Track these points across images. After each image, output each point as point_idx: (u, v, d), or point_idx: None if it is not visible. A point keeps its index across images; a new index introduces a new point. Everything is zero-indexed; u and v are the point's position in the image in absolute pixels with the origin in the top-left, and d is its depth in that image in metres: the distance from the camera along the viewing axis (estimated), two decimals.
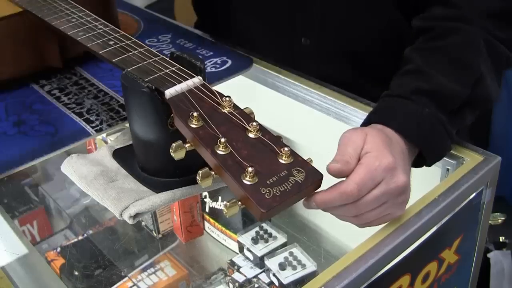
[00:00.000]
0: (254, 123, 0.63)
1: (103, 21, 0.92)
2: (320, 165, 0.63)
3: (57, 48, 1.03)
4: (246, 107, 0.68)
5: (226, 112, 0.66)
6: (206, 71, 0.87)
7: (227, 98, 0.66)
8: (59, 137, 0.88)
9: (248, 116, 0.66)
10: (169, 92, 0.68)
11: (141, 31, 1.25)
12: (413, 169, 0.76)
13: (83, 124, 0.91)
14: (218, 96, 0.68)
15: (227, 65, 1.07)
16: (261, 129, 0.64)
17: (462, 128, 0.84)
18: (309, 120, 1.01)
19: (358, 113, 0.92)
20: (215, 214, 1.12)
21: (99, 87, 1.02)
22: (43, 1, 1.01)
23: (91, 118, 0.93)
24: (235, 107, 0.67)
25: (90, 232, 1.33)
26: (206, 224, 1.16)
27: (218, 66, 1.07)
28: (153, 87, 0.69)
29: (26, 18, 1.00)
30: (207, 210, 1.13)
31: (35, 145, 0.87)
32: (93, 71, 1.08)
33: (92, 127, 0.90)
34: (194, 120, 0.63)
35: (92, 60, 1.09)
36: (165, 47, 1.16)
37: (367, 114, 0.90)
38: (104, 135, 1.09)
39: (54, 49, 1.03)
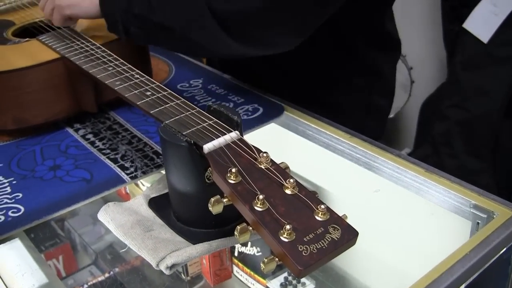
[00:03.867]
0: (291, 180, 0.64)
1: (138, 70, 0.94)
2: (351, 217, 0.64)
3: (92, 94, 1.06)
4: (282, 162, 0.69)
5: (263, 167, 0.67)
6: None
7: (264, 154, 0.68)
8: (95, 184, 0.90)
9: (284, 172, 0.67)
10: (207, 147, 0.69)
11: (172, 75, 1.27)
12: (443, 223, 0.77)
13: (118, 170, 0.93)
14: (256, 152, 0.69)
15: (259, 112, 1.09)
16: (298, 185, 0.65)
17: (487, 173, 0.86)
18: (339, 170, 1.02)
19: (388, 164, 0.93)
20: (244, 259, 1.13)
21: (132, 133, 1.04)
22: (80, 48, 1.04)
23: (125, 165, 0.94)
24: (272, 162, 0.68)
25: (117, 270, 1.34)
26: (235, 268, 1.16)
27: (249, 113, 1.09)
28: (192, 141, 0.71)
29: (64, 64, 1.03)
30: (236, 254, 1.14)
31: (71, 191, 0.89)
32: (126, 116, 1.10)
33: (127, 174, 0.92)
34: (232, 176, 0.64)
35: (124, 104, 1.11)
36: (196, 93, 1.18)
37: (397, 165, 0.92)
38: None
39: (90, 94, 1.06)
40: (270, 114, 1.09)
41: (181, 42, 1.01)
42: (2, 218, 0.83)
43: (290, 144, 1.09)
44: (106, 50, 1.02)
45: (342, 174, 1.03)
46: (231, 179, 0.64)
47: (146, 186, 1.22)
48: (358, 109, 1.29)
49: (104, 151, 0.99)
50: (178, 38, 0.99)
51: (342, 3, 0.98)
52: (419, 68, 2.57)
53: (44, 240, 1.40)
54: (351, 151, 0.98)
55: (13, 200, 0.87)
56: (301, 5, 0.92)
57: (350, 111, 1.27)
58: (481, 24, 2.04)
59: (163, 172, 0.91)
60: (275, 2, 0.90)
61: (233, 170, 0.64)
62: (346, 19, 1.13)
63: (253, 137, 0.98)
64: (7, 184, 0.92)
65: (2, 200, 0.87)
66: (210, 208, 0.64)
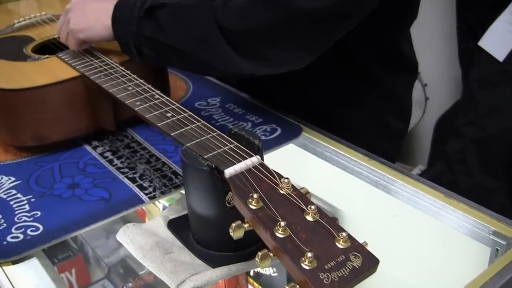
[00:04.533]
0: (312, 207, 0.64)
1: (158, 91, 0.94)
2: (369, 240, 0.64)
3: (111, 112, 1.06)
4: (303, 188, 0.69)
5: (285, 193, 0.67)
6: None
7: (286, 180, 0.67)
8: (113, 204, 0.90)
9: (305, 198, 0.66)
10: (228, 172, 0.69)
11: (190, 93, 1.28)
12: (461, 249, 0.77)
13: (137, 190, 0.93)
14: (277, 177, 0.69)
15: (277, 133, 1.09)
16: (319, 211, 0.65)
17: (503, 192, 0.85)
18: (357, 192, 1.02)
19: (406, 188, 0.93)
20: (260, 279, 1.13)
21: (151, 152, 1.04)
22: (99, 66, 1.04)
23: (144, 185, 0.94)
24: (293, 188, 0.68)
25: (130, 285, 1.34)
26: (250, 287, 1.16)
27: (268, 134, 1.09)
28: (213, 165, 0.71)
29: (83, 83, 1.03)
30: (251, 273, 1.14)
31: (90, 210, 0.89)
32: (144, 134, 1.10)
33: (146, 194, 0.92)
34: (253, 202, 0.64)
35: (142, 122, 1.12)
36: (214, 111, 1.18)
37: (415, 189, 0.91)
38: None
39: (108, 112, 1.06)
40: (288, 135, 1.09)
41: (193, 63, 1.01)
42: (21, 236, 0.84)
43: (308, 166, 1.09)
44: (125, 70, 1.03)
45: (360, 196, 1.03)
46: (253, 205, 0.64)
47: (162, 203, 1.22)
48: (372, 130, 1.29)
49: (122, 170, 0.99)
50: (189, 58, 0.99)
51: (354, 25, 0.98)
52: (433, 85, 2.57)
53: (57, 253, 1.41)
54: (369, 173, 0.98)
55: (31, 219, 0.88)
56: (311, 24, 0.92)
57: (364, 132, 1.27)
58: (497, 43, 2.04)
59: (182, 192, 0.91)
60: (285, 21, 0.91)
61: (255, 195, 0.64)
62: (359, 39, 1.13)
63: (272, 158, 0.98)
64: (25, 201, 0.92)
65: (21, 218, 0.88)
66: (231, 233, 0.64)
